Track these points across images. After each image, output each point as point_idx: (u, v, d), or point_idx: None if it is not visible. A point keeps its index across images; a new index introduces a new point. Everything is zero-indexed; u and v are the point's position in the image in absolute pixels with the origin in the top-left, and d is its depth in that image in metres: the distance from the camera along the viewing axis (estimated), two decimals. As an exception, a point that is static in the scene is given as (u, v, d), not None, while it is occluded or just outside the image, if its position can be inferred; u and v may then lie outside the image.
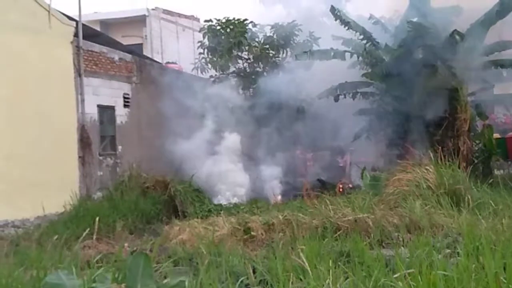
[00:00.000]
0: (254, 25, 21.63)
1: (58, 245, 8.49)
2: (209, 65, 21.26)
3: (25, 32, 14.17)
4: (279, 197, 17.74)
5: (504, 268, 5.30)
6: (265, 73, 20.86)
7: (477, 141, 18.48)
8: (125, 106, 18.49)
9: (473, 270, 5.43)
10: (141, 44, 30.31)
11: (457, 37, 16.42)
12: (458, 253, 6.92)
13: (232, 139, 18.61)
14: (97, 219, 8.83)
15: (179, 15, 33.11)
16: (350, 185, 17.71)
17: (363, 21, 18.58)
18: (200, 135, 18.65)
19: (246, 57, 21.54)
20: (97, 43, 17.52)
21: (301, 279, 6.16)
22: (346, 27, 18.13)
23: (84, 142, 16.11)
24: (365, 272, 6.34)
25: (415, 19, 17.30)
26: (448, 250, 7.44)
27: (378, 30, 18.62)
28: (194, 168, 18.05)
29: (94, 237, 8.96)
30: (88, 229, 9.06)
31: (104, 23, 30.26)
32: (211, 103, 19.54)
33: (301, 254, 6.72)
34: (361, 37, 18.31)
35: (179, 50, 29.47)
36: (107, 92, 17.66)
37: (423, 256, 6.56)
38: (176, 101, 19.46)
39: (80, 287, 5.68)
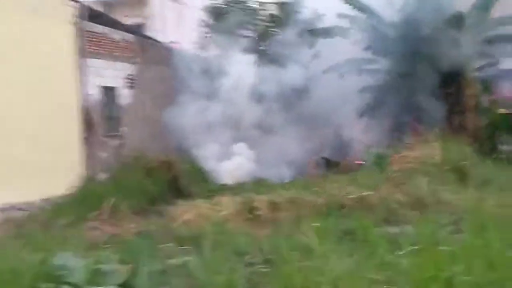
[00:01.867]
0: (258, 3, 21.48)
1: (64, 227, 8.52)
2: (212, 44, 21.15)
3: (27, 13, 14.07)
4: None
5: (509, 244, 5.28)
6: (269, 51, 20.71)
7: (483, 117, 18.39)
8: (128, 86, 18.44)
9: (478, 247, 5.41)
10: (144, 24, 30.14)
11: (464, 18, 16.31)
12: (463, 230, 6.90)
13: (238, 117, 18.59)
14: (105, 200, 8.85)
15: (182, -6, 32.87)
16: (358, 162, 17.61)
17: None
18: (205, 114, 18.62)
19: (250, 35, 21.40)
20: (99, 23, 17.41)
21: (306, 258, 6.15)
22: (350, 5, 17.99)
23: (87, 123, 16.09)
24: (369, 250, 6.34)
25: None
26: (453, 227, 7.43)
27: (383, 5, 18.42)
28: (199, 147, 18.07)
29: (100, 218, 8.98)
30: (94, 210, 9.11)
31: (106, 3, 30.02)
32: (216, 82, 19.50)
33: (306, 232, 6.71)
34: (365, 14, 18.17)
35: (181, 30, 29.28)
36: (110, 73, 17.59)
37: (428, 233, 6.55)
38: (180, 81, 19.43)
39: (86, 268, 5.71)
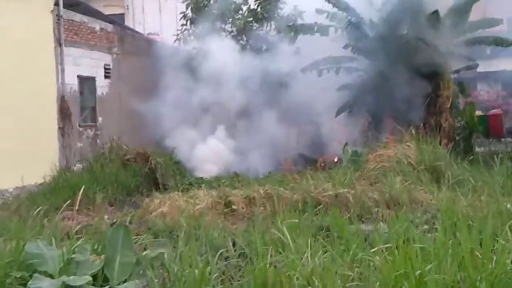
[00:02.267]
0: (238, -3, 21.49)
1: (38, 216, 8.45)
2: (192, 37, 21.08)
3: (4, 0, 13.91)
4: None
5: (480, 244, 5.38)
6: (248, 46, 20.70)
7: (459, 119, 18.61)
8: (105, 77, 18.29)
9: (449, 246, 5.49)
10: (123, 14, 29.94)
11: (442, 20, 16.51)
12: (436, 229, 7.00)
13: (216, 111, 18.58)
14: (80, 190, 8.79)
15: (162, -15, 32.68)
16: (335, 160, 17.69)
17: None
18: (181, 106, 18.58)
19: (229, 29, 21.36)
20: (78, 12, 17.24)
21: (280, 253, 6.20)
22: (330, 2, 18.07)
23: (64, 113, 15.93)
24: (343, 246, 6.41)
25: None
26: (426, 226, 7.54)
27: (363, 4, 18.52)
28: (176, 140, 18.03)
29: (75, 208, 8.92)
30: (68, 200, 9.04)
31: (85, -8, 29.79)
32: (194, 75, 19.46)
33: (280, 227, 6.76)
34: (345, 13, 18.25)
35: (161, 21, 29.16)
36: (88, 62, 17.42)
37: (401, 231, 6.63)
38: (158, 72, 19.34)
39: (60, 258, 5.68)
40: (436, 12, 16.42)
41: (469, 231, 5.82)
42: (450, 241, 5.67)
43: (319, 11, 18.96)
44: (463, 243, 5.33)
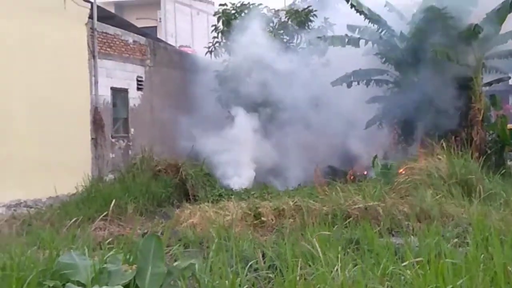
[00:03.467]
0: (269, 10, 21.57)
1: (71, 226, 8.59)
2: (223, 49, 21.22)
3: (40, 13, 14.19)
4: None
5: (513, 259, 5.32)
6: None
7: (491, 132, 18.38)
8: (138, 89, 18.51)
9: (481, 260, 5.44)
10: (155, 27, 30.31)
11: (476, 31, 16.37)
12: (467, 243, 6.93)
13: (245, 123, 18.63)
14: (112, 200, 8.90)
15: (194, -2, 33.04)
16: (365, 172, 17.61)
17: (378, 8, 18.42)
18: (213, 120, 18.71)
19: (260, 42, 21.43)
20: (111, 25, 17.52)
21: (310, 265, 6.20)
22: (361, 14, 18.04)
23: (97, 124, 16.17)
24: (374, 260, 6.38)
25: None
26: (457, 240, 7.46)
27: (393, 17, 18.47)
28: (207, 151, 18.12)
29: (108, 218, 9.04)
30: (100, 210, 9.17)
31: (118, 5, 30.26)
32: (225, 87, 19.60)
33: (310, 239, 6.76)
34: (376, 25, 18.20)
35: (193, 34, 29.45)
36: (121, 74, 17.68)
37: (432, 245, 6.58)
38: (190, 85, 19.51)
39: (92, 268, 5.76)
40: (475, 28, 16.32)
41: (501, 245, 5.76)
42: (482, 256, 5.62)
43: (350, 28, 18.92)
44: (495, 258, 5.27)
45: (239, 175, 17.69)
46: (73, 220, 8.67)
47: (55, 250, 6.33)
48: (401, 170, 14.02)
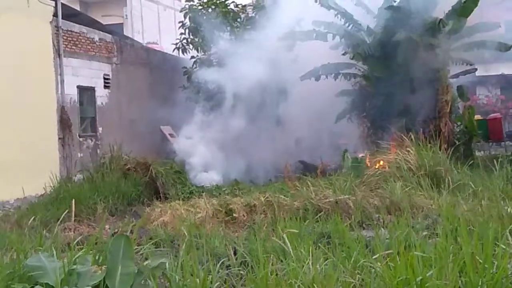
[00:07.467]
0: (236, 5, 21.50)
1: (38, 227, 8.45)
2: (191, 46, 21.11)
3: (2, 11, 13.95)
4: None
5: (481, 249, 5.37)
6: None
7: (459, 123, 18.61)
8: (105, 87, 18.33)
9: (450, 251, 5.49)
10: (122, 24, 30.03)
11: (441, 25, 16.55)
12: (437, 234, 7.00)
13: (215, 119, 18.55)
14: (73, 201, 8.75)
15: (160, -6, 32.81)
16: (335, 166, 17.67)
17: (345, 2, 18.50)
18: (181, 116, 18.58)
19: (227, 38, 21.37)
20: (76, 23, 17.29)
21: (281, 261, 6.20)
22: (329, 10, 18.08)
23: (64, 123, 15.97)
24: (345, 253, 6.40)
25: (396, 2, 17.39)
26: (427, 231, 7.53)
27: (360, 11, 18.56)
28: (176, 148, 18.02)
29: (74, 219, 8.91)
30: (68, 211, 9.03)
31: (83, 2, 29.90)
32: (193, 84, 19.50)
33: (282, 235, 6.75)
34: (343, 20, 18.27)
35: (160, 30, 29.24)
36: (87, 73, 17.46)
37: (402, 237, 6.63)
38: (158, 82, 19.35)
39: (61, 269, 5.67)
40: (439, 23, 16.48)
41: (469, 236, 5.82)
42: (451, 246, 5.67)
43: (316, 23, 18.91)
44: (464, 248, 5.32)
45: (209, 172, 17.61)
46: (40, 221, 8.53)
47: (22, 252, 6.22)
48: (368, 163, 14.14)
